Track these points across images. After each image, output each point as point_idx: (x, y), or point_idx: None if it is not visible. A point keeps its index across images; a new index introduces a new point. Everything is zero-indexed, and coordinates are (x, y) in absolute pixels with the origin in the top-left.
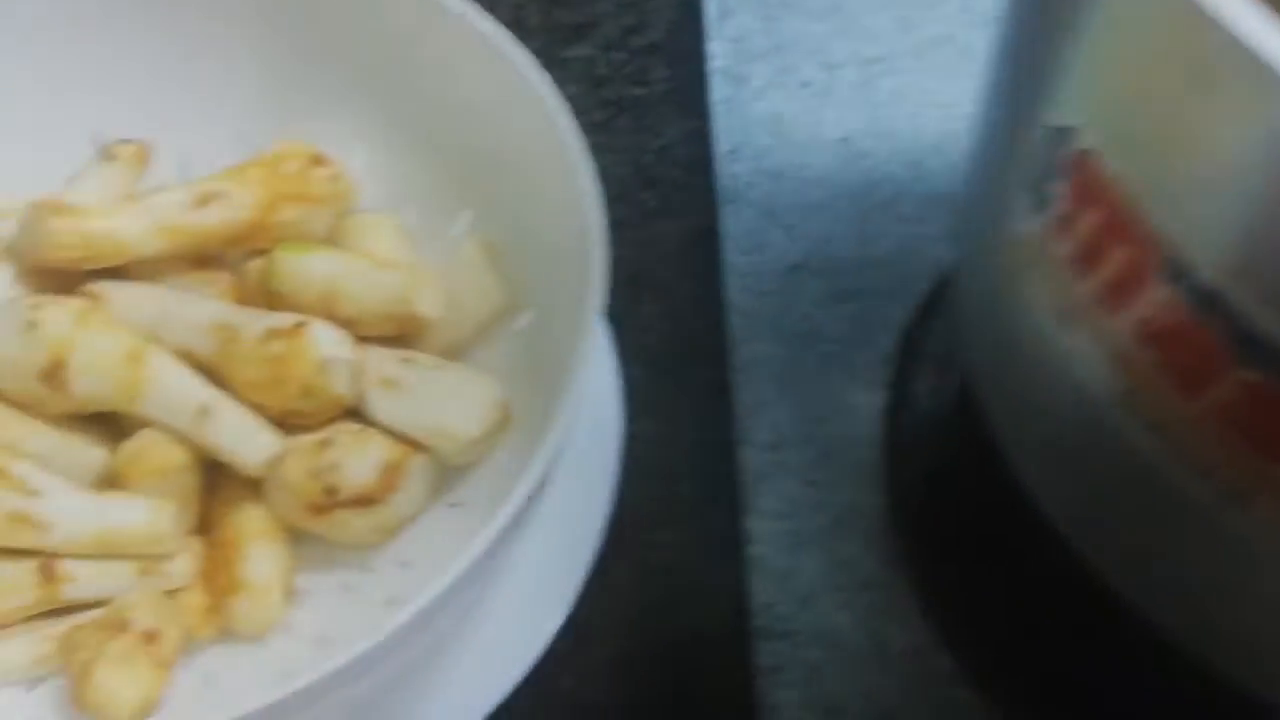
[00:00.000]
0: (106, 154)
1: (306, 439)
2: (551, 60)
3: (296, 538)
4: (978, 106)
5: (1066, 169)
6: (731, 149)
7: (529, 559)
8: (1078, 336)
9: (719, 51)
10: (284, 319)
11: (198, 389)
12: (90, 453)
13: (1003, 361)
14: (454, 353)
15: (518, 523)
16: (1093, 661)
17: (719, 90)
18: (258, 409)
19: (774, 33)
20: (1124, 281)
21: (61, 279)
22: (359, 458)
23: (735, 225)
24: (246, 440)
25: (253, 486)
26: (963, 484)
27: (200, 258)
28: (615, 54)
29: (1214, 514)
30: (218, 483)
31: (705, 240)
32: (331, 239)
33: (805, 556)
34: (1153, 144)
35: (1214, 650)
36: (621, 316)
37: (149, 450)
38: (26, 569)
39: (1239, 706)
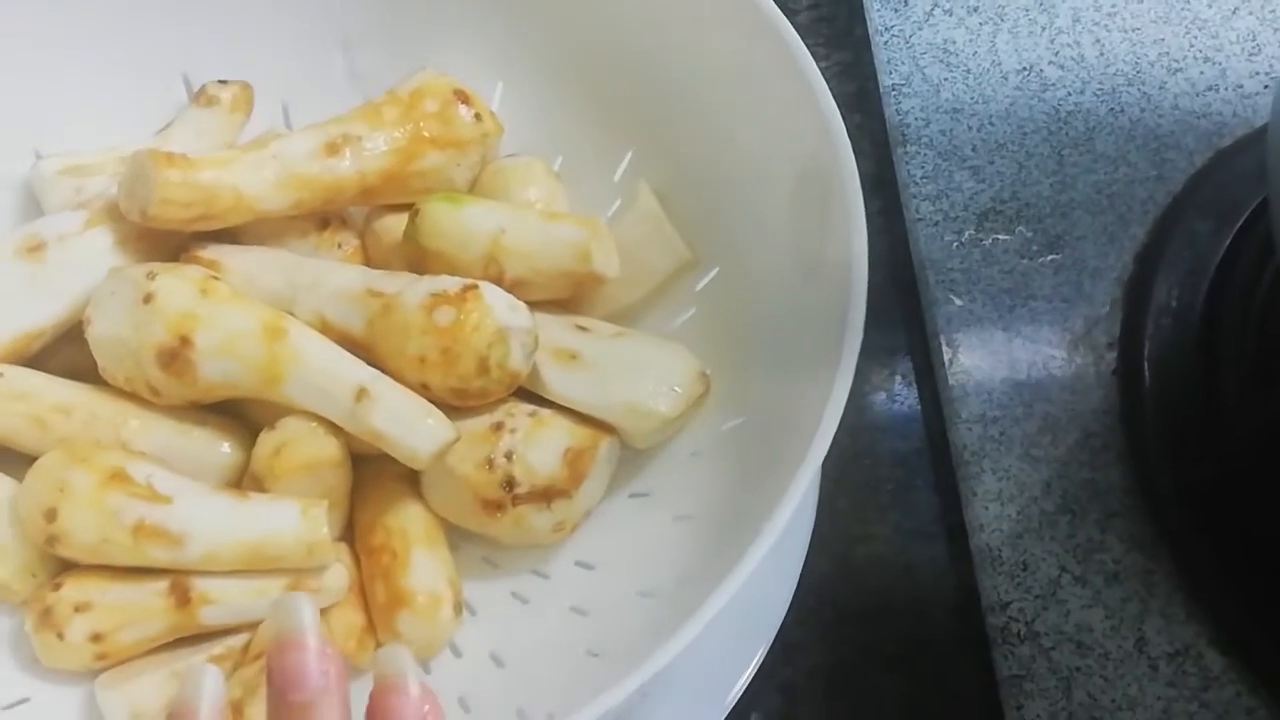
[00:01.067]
0: (204, 97)
1: (476, 423)
2: None
3: (455, 541)
4: None
5: None
6: (899, 84)
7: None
8: None
9: None
10: (449, 283)
11: (354, 368)
12: (218, 449)
13: None
14: (627, 318)
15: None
16: None
17: (878, 18)
18: (422, 390)
19: None
20: None
21: (165, 245)
22: (539, 444)
23: (915, 169)
24: (413, 426)
25: (409, 482)
26: (1226, 450)
27: (325, 215)
28: None
29: None
30: (366, 479)
31: (875, 188)
32: (475, 189)
33: (1038, 545)
34: None
35: None
36: None
37: (295, 442)
38: (155, 591)
39: None
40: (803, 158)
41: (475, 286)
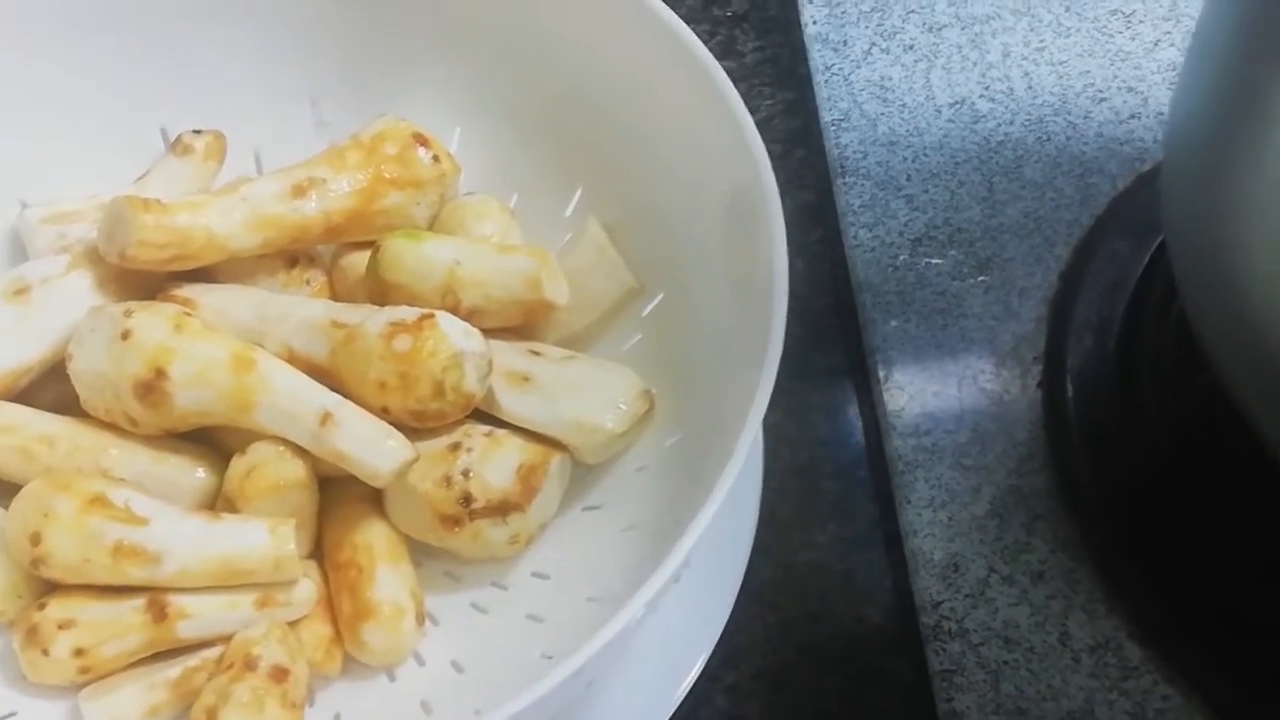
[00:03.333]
0: (179, 146)
1: (434, 443)
2: None
3: (419, 557)
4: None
5: None
6: (839, 119)
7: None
8: None
9: (814, 17)
10: (407, 312)
11: (318, 393)
12: (192, 475)
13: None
14: (578, 343)
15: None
16: None
17: (819, 58)
18: (382, 413)
19: None
20: None
21: (142, 285)
22: (495, 461)
23: (853, 199)
24: (375, 447)
25: (373, 501)
26: (1139, 456)
27: (293, 254)
28: (699, 27)
29: None
30: (333, 500)
31: (819, 217)
32: (435, 226)
33: (968, 548)
34: None
35: None
36: None
37: (265, 466)
38: (134, 608)
39: None
40: (733, 189)
41: (432, 315)
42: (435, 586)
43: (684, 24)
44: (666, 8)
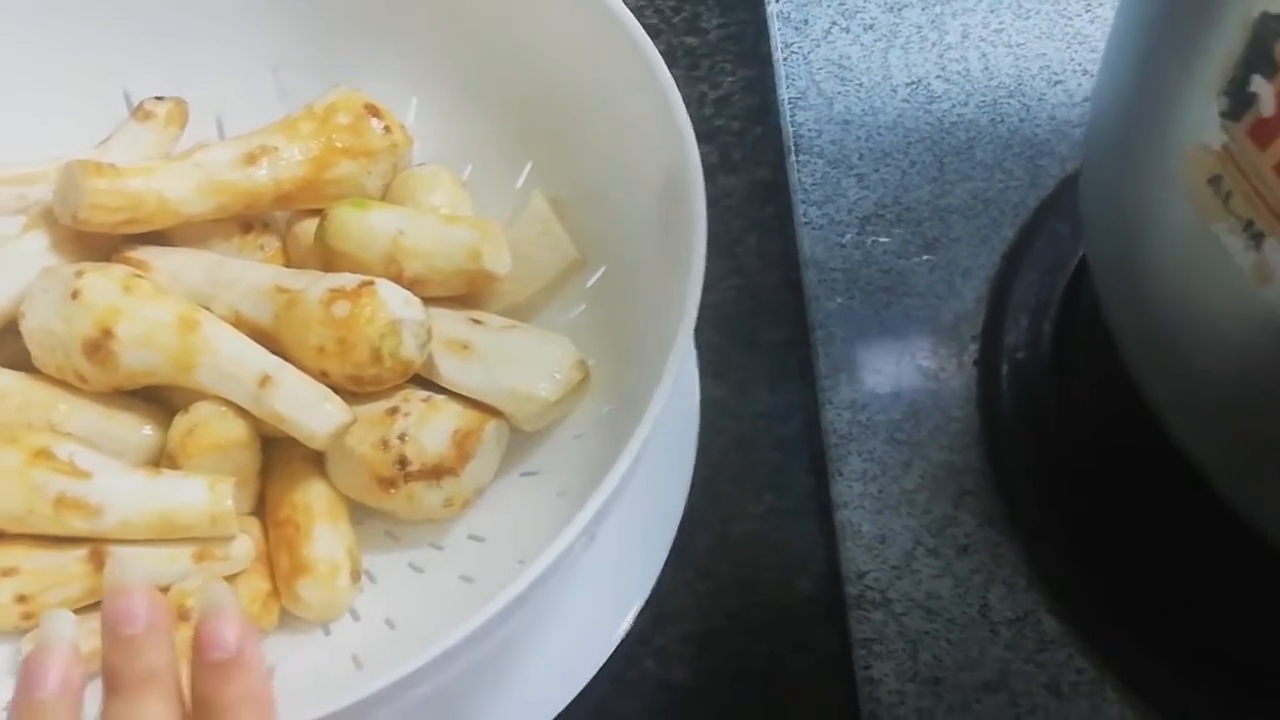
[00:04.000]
0: (141, 112)
1: (373, 407)
2: None
3: (358, 517)
4: (1135, 8)
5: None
6: (795, 97)
7: (610, 536)
8: (1272, 252)
9: None
10: (348, 279)
11: (259, 356)
12: (139, 432)
13: (1160, 297)
14: (522, 313)
15: (615, 500)
16: (1218, 615)
17: (780, 36)
18: (321, 377)
19: None
20: None
21: (98, 247)
22: (430, 426)
23: (805, 176)
24: (313, 409)
25: (315, 462)
26: (1067, 434)
27: (248, 220)
28: (665, 2)
29: None
30: (276, 460)
31: (772, 193)
32: (387, 195)
33: (897, 520)
34: None
35: None
36: None
37: (206, 424)
38: (75, 558)
39: None
40: (665, 166)
41: (371, 283)
42: (375, 546)
43: (625, 8)
44: (619, 3)
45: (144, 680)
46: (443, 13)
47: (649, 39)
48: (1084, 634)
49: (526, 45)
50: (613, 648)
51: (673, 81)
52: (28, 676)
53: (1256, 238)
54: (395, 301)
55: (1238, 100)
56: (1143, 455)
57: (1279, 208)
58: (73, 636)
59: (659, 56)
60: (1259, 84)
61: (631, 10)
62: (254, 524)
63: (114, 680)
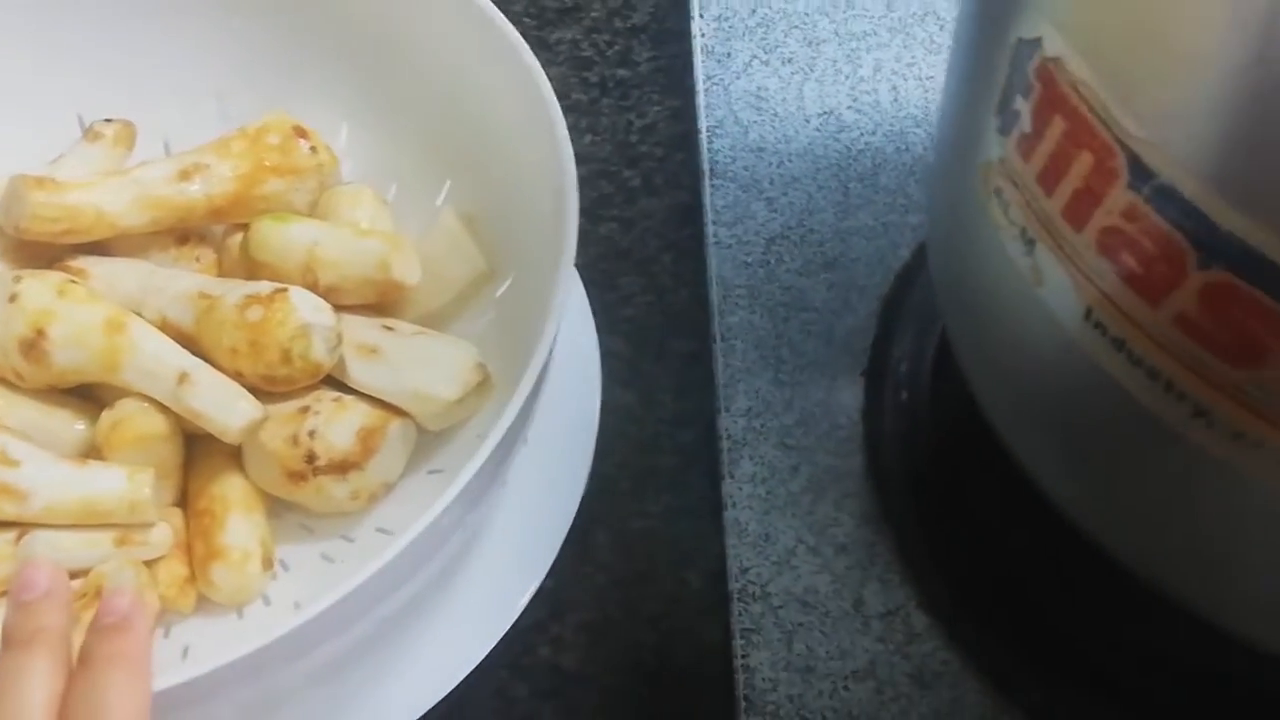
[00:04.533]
0: (91, 133)
1: (286, 406)
2: (538, 44)
3: (276, 510)
4: (954, 41)
5: (1032, 82)
6: (714, 125)
7: (505, 526)
8: (1044, 258)
9: (703, 30)
10: (263, 286)
11: (177, 356)
12: (73, 427)
13: (973, 300)
14: (436, 321)
15: (491, 481)
16: (1075, 615)
17: (703, 68)
18: (237, 376)
19: (759, 10)
20: (1087, 192)
21: (45, 255)
22: (338, 424)
23: (718, 200)
24: (226, 406)
25: (234, 457)
26: (939, 442)
27: (184, 232)
28: (601, 36)
29: (1181, 431)
30: (199, 454)
31: (688, 216)
32: (315, 211)
33: (782, 520)
34: (1115, 45)
35: (1186, 585)
36: (605, 292)
37: (129, 419)
38: (4, 540)
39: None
40: (554, 186)
41: (285, 290)
42: (291, 537)
43: (524, 42)
44: (513, 29)
45: (33, 637)
46: (370, 47)
47: (542, 70)
48: (949, 628)
49: (442, 76)
50: (504, 631)
51: (559, 110)
52: (18, 586)
53: (1030, 243)
54: (306, 307)
55: (1007, 118)
56: (1005, 459)
57: (1043, 215)
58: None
59: (549, 86)
60: (1020, 103)
61: (570, 44)
62: (176, 514)
63: (8, 637)
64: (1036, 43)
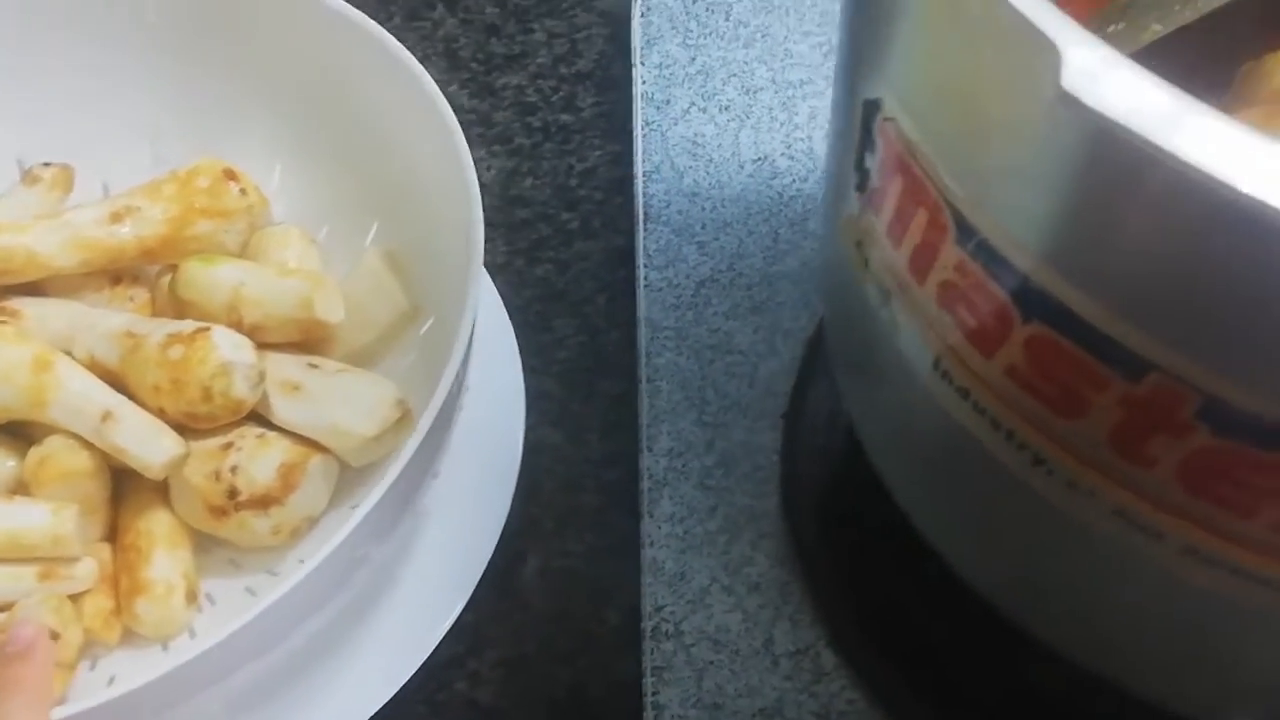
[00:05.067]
0: (29, 177)
1: (211, 442)
2: (484, 89)
3: (204, 545)
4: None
5: (877, 141)
6: (651, 170)
7: (423, 560)
8: (897, 308)
9: (644, 77)
10: (185, 325)
11: (102, 394)
12: (4, 464)
13: (852, 349)
14: (363, 359)
15: (398, 515)
16: (973, 657)
17: (642, 114)
18: (160, 414)
19: (699, 59)
20: (926, 247)
21: None
22: (259, 459)
23: (651, 243)
24: (148, 443)
25: (162, 493)
26: (849, 484)
27: (118, 272)
28: (545, 82)
29: (1025, 479)
30: (128, 490)
31: (623, 259)
32: (244, 252)
33: (698, 559)
34: (933, 108)
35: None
36: (539, 333)
37: (55, 456)
38: None
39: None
40: (464, 227)
41: (207, 329)
42: (218, 571)
43: (441, 95)
44: (431, 81)
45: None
46: (303, 93)
47: (455, 117)
48: (857, 667)
49: (369, 122)
50: (419, 665)
51: (470, 159)
52: (5, 641)
53: (886, 294)
54: (226, 346)
55: (861, 174)
56: None
57: (894, 268)
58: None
59: (461, 132)
60: (869, 160)
61: (515, 89)
62: (105, 548)
63: None
64: (878, 103)
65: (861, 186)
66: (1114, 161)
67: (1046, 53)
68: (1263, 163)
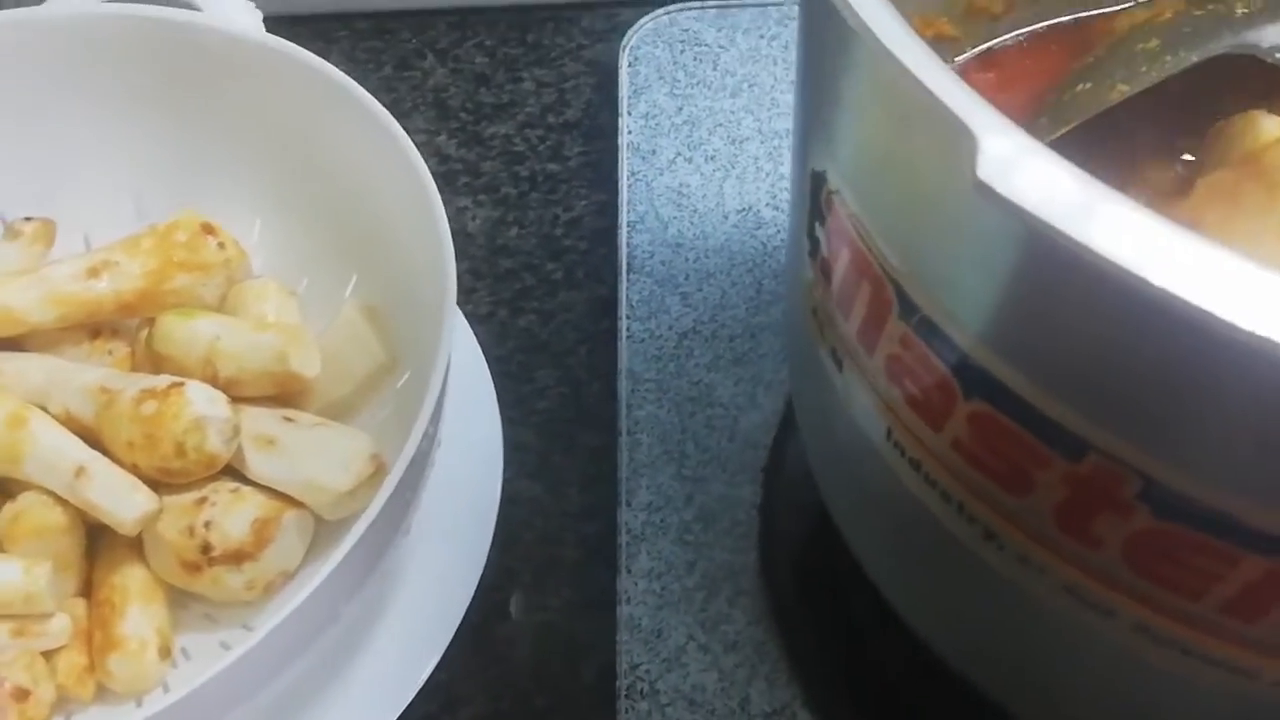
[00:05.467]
0: (10, 231)
1: (186, 497)
2: (472, 138)
3: (180, 600)
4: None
5: (824, 212)
6: (635, 220)
7: (395, 617)
8: (850, 378)
9: (630, 127)
10: (160, 380)
11: (76, 450)
12: None
13: (811, 413)
14: (340, 413)
15: (366, 572)
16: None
17: (628, 164)
18: (134, 469)
19: (685, 108)
20: (872, 319)
21: None
22: (233, 514)
23: (634, 294)
24: (121, 499)
25: (136, 548)
26: (827, 541)
27: (96, 327)
28: (533, 131)
29: (977, 552)
30: (104, 545)
31: (606, 309)
32: (223, 306)
33: (674, 616)
34: (872, 183)
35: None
36: (520, 384)
37: (29, 512)
38: None
39: None
40: (438, 282)
41: (181, 384)
42: (193, 626)
43: (413, 146)
44: (403, 133)
45: None
46: (279, 147)
47: (428, 171)
48: None
49: (347, 176)
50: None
51: (444, 214)
52: None
53: (839, 362)
54: (200, 400)
55: (813, 242)
56: None
57: (845, 337)
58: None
59: (434, 187)
60: (819, 230)
61: (503, 138)
62: (79, 604)
63: None
64: (824, 175)
65: (814, 254)
66: (1032, 249)
67: (964, 140)
68: (1175, 255)
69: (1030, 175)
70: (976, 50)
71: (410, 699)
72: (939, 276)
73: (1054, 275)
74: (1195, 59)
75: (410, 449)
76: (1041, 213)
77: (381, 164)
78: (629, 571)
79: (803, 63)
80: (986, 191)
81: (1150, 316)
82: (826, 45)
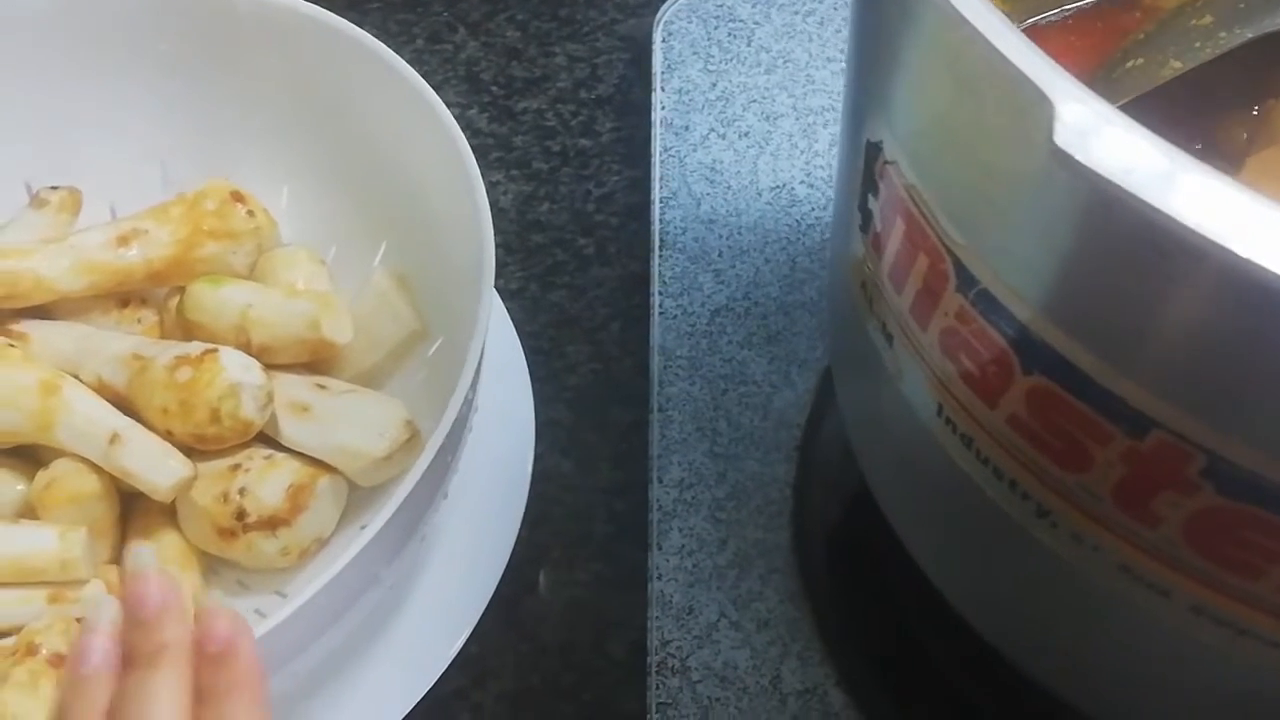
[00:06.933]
0: (37, 200)
1: (220, 463)
2: (504, 112)
3: (213, 567)
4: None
5: (878, 183)
6: (668, 197)
7: (428, 588)
8: (901, 353)
9: (664, 103)
10: (194, 347)
11: (109, 416)
12: (13, 488)
13: (856, 389)
14: (371, 380)
15: (408, 535)
16: (987, 698)
17: (661, 140)
18: (168, 436)
19: (719, 84)
20: (927, 292)
21: None
22: (268, 481)
23: (666, 270)
24: (155, 465)
25: (171, 515)
26: (862, 521)
27: (126, 295)
28: (565, 106)
29: (1029, 530)
30: (137, 512)
31: (638, 285)
32: (253, 273)
33: (706, 593)
34: (934, 153)
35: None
36: (552, 359)
37: (63, 479)
38: None
39: None
40: (473, 250)
41: (215, 350)
42: (227, 592)
43: (451, 116)
44: (441, 103)
45: (156, 654)
46: (312, 115)
47: (465, 140)
48: (866, 709)
49: (379, 144)
50: (422, 695)
51: (480, 177)
52: (132, 602)
53: (889, 338)
54: (235, 367)
55: (865, 216)
56: None
57: (897, 312)
58: (115, 617)
59: (472, 156)
60: (872, 202)
61: (535, 113)
62: (113, 570)
63: (131, 655)
64: (879, 146)
65: (865, 228)
66: (1108, 218)
67: (1040, 107)
68: (1261, 226)
69: (1109, 143)
70: (1023, 25)
71: (443, 669)
72: (1001, 248)
73: (1128, 246)
74: (1251, 35)
75: (452, 413)
76: (1122, 181)
77: (415, 132)
78: (660, 548)
79: (858, 31)
80: (1064, 159)
81: (1232, 286)
82: (887, 11)
